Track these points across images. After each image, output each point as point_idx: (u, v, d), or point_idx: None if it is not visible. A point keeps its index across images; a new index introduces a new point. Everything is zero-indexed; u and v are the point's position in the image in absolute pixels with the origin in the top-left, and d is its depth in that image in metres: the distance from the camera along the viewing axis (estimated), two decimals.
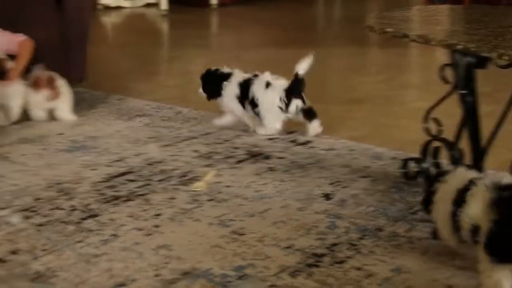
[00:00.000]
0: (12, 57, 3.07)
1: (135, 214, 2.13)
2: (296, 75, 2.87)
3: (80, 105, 3.34)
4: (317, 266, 1.80)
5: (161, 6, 6.66)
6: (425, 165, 2.29)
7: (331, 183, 2.36)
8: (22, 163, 2.60)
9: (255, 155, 2.66)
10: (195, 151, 2.72)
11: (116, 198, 2.26)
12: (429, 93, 3.38)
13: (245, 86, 2.94)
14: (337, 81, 4.21)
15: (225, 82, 2.98)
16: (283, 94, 2.86)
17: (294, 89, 2.86)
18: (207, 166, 2.55)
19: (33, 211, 2.15)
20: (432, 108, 2.29)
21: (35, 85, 3.06)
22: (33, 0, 3.22)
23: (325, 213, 2.12)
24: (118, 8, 7.01)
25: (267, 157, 2.64)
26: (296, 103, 2.86)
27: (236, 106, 2.96)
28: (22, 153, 2.71)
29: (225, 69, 3.03)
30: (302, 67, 2.88)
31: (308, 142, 2.81)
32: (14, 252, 1.88)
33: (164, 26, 6.41)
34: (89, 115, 3.23)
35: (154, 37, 5.91)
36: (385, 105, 3.47)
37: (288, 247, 1.90)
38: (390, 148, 2.71)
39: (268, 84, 2.90)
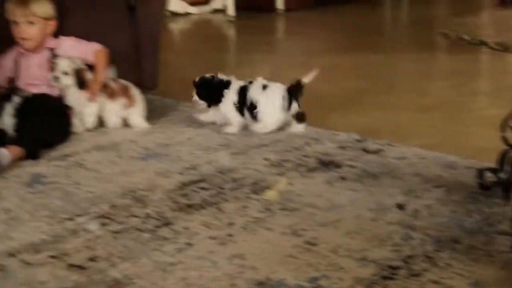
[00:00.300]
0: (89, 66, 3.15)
1: (208, 223, 2.15)
2: (299, 81, 3.04)
3: (151, 112, 3.39)
4: (392, 278, 1.78)
5: (228, 12, 6.72)
6: (502, 175, 2.24)
7: (404, 193, 2.34)
8: (96, 170, 2.66)
9: (326, 164, 2.65)
10: (266, 159, 2.73)
11: (189, 206, 2.29)
12: (501, 100, 3.32)
13: (242, 93, 3.05)
14: (405, 86, 4.15)
15: (226, 90, 3.07)
16: (285, 94, 3.01)
17: (295, 92, 3.02)
18: (278, 174, 2.56)
19: (109, 218, 2.20)
20: (510, 116, 2.24)
21: (111, 93, 3.13)
22: (108, 9, 3.28)
23: (398, 224, 2.10)
24: (186, 14, 7.10)
25: (338, 166, 2.63)
26: (295, 106, 3.02)
27: (233, 113, 3.07)
28: (97, 160, 2.77)
29: (222, 76, 3.13)
30: (308, 78, 3.06)
31: (379, 150, 2.79)
32: (92, 259, 1.93)
33: (231, 32, 6.46)
34: (161, 122, 3.28)
35: (221, 43, 5.97)
36: (456, 112, 3.41)
37: (362, 259, 1.89)
38: (463, 157, 2.66)
39: (265, 86, 3.03)
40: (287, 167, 2.64)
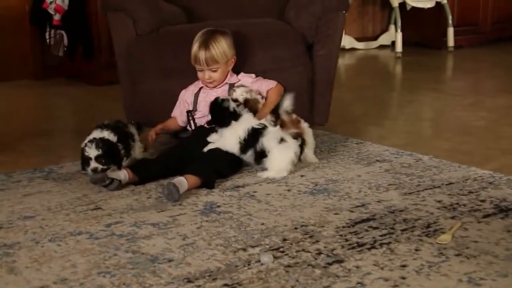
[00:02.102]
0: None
1: (380, 263, 2.12)
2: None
3: (320, 147, 3.43)
4: None
5: (396, 49, 6.65)
6: None
7: None
8: (267, 202, 2.71)
9: (503, 210, 2.53)
10: (438, 201, 2.66)
11: (360, 245, 2.26)
12: None
13: (253, 135, 3.02)
14: None
15: (233, 121, 3.03)
16: (298, 150, 3.07)
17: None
18: (451, 218, 2.48)
19: (281, 252, 2.22)
20: None
21: (282, 125, 3.18)
22: (287, 47, 3.36)
23: None
24: (352, 50, 7.13)
25: None
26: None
27: (234, 144, 3.04)
28: (267, 193, 2.82)
29: (233, 106, 3.04)
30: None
31: None
32: None
33: (398, 68, 6.39)
34: (329, 158, 3.30)
35: (388, 79, 5.92)
36: None
37: None
38: None
39: (282, 140, 3.00)
40: (461, 211, 2.55)
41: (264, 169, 3.04)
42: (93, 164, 2.89)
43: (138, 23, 3.36)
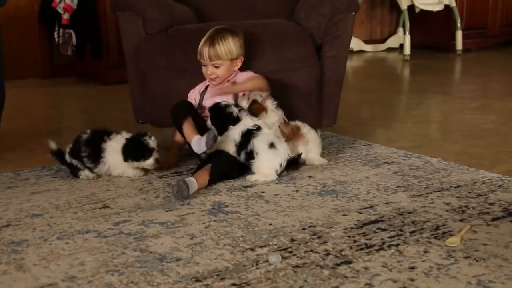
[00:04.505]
0: None
1: (388, 265, 2.11)
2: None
3: (328, 148, 3.43)
4: None
5: (404, 51, 6.64)
6: None
7: None
8: (275, 203, 2.70)
9: None
10: (447, 203, 2.65)
11: (369, 246, 2.26)
12: None
13: (246, 136, 2.99)
14: None
15: (231, 126, 3.03)
16: (285, 158, 3.00)
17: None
18: (460, 220, 2.47)
19: (289, 252, 2.22)
20: None
21: (285, 137, 3.16)
22: (295, 48, 3.34)
23: None
24: (360, 52, 7.13)
25: None
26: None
27: (230, 147, 3.03)
28: (275, 193, 2.82)
29: (235, 112, 3.04)
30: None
31: None
32: None
33: (406, 71, 6.38)
34: (337, 159, 3.29)
35: (396, 82, 5.91)
36: None
37: None
38: None
39: (272, 145, 2.96)
40: (470, 213, 2.54)
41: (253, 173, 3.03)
42: (156, 154, 3.02)
43: (148, 22, 3.37)
